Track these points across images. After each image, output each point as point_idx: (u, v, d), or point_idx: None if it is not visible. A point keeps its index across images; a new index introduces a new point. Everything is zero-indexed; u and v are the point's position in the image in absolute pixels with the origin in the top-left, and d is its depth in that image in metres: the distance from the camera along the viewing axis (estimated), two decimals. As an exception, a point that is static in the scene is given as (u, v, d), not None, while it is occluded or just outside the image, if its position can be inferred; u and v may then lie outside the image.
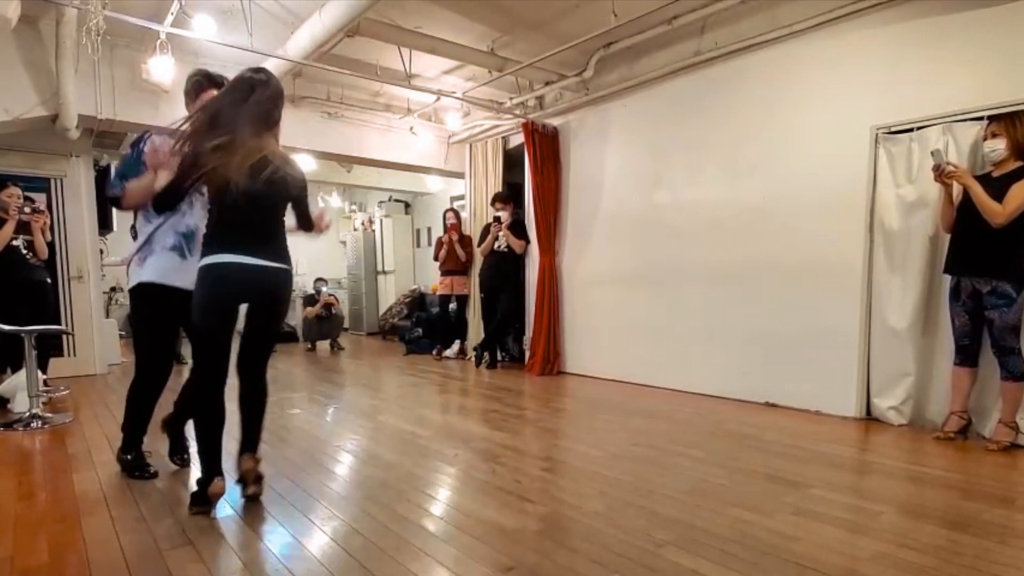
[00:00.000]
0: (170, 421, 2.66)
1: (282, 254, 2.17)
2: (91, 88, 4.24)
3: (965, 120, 3.00)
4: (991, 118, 2.84)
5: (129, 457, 2.54)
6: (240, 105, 2.05)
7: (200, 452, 2.13)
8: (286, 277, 2.19)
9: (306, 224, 2.37)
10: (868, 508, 2.11)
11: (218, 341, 2.12)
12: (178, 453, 2.68)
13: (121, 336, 7.56)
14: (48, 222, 4.27)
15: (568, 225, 5.32)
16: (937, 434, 3.00)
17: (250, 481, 2.22)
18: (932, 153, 2.91)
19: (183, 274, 2.33)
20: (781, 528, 1.93)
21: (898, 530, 1.91)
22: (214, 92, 2.32)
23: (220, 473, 2.12)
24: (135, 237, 2.56)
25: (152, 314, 2.42)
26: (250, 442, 2.25)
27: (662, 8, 3.63)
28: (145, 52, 4.11)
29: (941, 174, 2.86)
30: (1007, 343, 2.75)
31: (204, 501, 2.10)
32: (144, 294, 2.39)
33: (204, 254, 2.08)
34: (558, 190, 5.32)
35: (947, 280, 3.00)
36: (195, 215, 2.40)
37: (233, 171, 1.96)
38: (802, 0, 3.52)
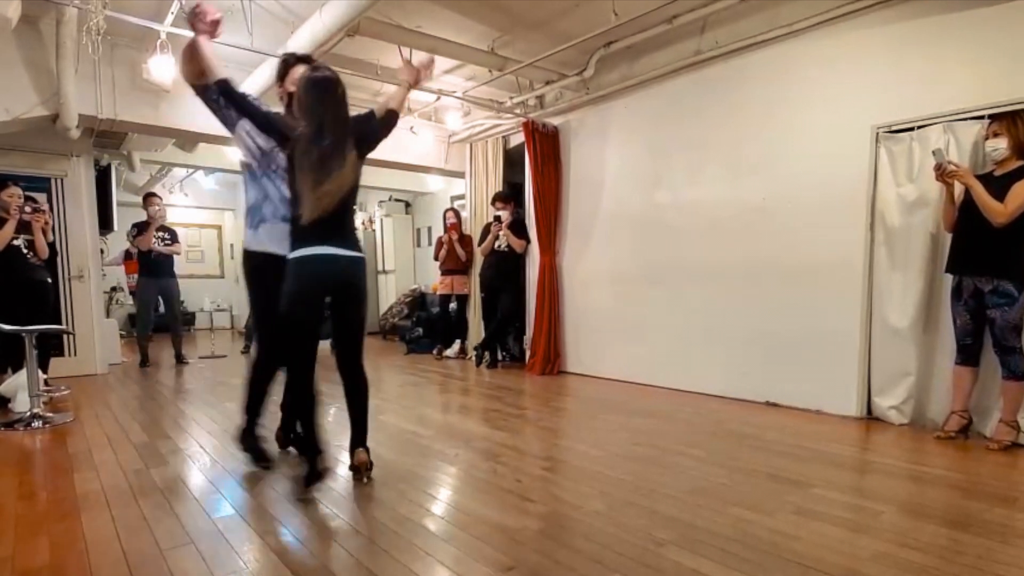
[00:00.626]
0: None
1: (358, 244, 2.30)
2: (91, 88, 4.24)
3: (966, 119, 2.99)
4: (992, 117, 2.84)
5: (247, 442, 2.59)
6: (338, 109, 2.18)
7: (305, 435, 2.24)
8: (364, 264, 2.33)
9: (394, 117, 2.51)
10: (869, 507, 2.11)
11: (309, 330, 2.25)
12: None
13: (122, 336, 7.56)
14: (49, 221, 4.27)
15: (568, 224, 5.32)
16: (938, 433, 3.00)
17: (364, 471, 2.39)
18: (933, 152, 2.91)
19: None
20: (782, 527, 1.93)
21: (899, 529, 1.91)
22: (302, 69, 2.36)
23: (323, 451, 2.24)
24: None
25: (269, 280, 2.36)
26: (360, 437, 2.38)
27: (662, 7, 3.63)
28: (146, 52, 4.11)
29: (943, 173, 2.86)
30: (1008, 342, 2.75)
31: (317, 478, 2.21)
32: (259, 261, 2.41)
33: (294, 246, 2.17)
34: (558, 189, 5.32)
35: (948, 279, 3.00)
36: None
37: (336, 196, 2.15)
38: (802, -1, 3.53)
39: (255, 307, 2.54)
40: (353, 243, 2.26)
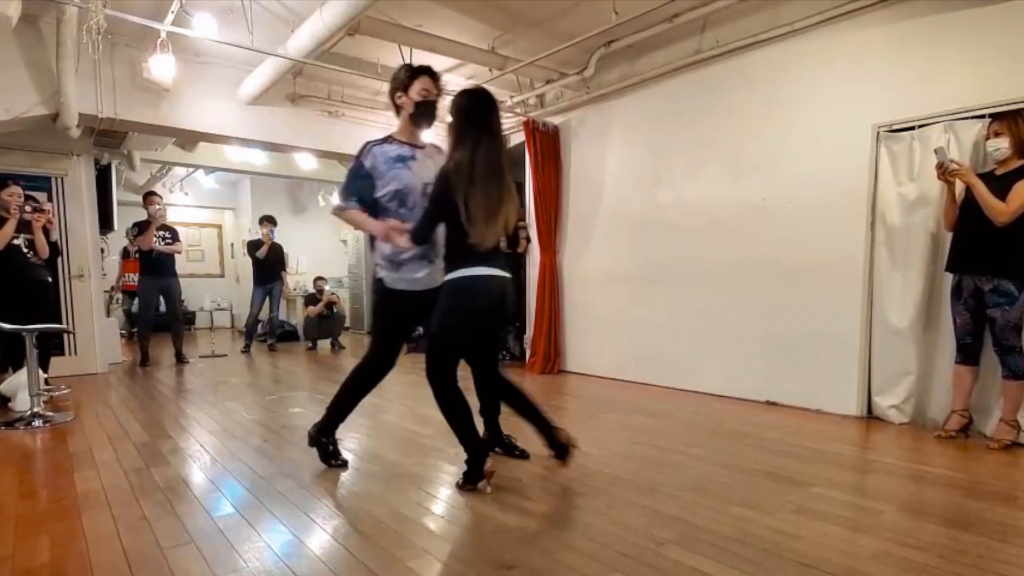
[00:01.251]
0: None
1: (506, 265, 2.39)
2: (92, 87, 4.24)
3: (967, 118, 2.99)
4: (993, 116, 2.84)
5: (325, 441, 2.62)
6: (499, 127, 2.30)
7: (468, 439, 2.30)
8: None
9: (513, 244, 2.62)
10: (869, 506, 2.11)
11: (464, 348, 2.38)
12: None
13: (122, 335, 7.57)
14: (52, 220, 4.26)
15: (569, 224, 5.32)
16: (938, 432, 3.00)
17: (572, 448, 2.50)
18: (935, 151, 2.91)
19: (429, 277, 2.50)
20: (782, 526, 1.93)
21: (899, 528, 1.91)
22: (420, 83, 2.49)
23: (487, 453, 2.33)
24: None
25: (401, 315, 2.56)
26: (548, 426, 2.49)
27: (663, 6, 3.63)
28: (146, 51, 4.11)
29: (944, 172, 2.86)
30: (1008, 341, 2.75)
31: (478, 477, 2.27)
32: (397, 298, 2.52)
33: (457, 266, 2.24)
34: (559, 189, 5.32)
35: (949, 278, 3.00)
36: None
37: (501, 231, 2.26)
38: (803, -2, 3.53)
39: (386, 331, 2.60)
40: (504, 264, 2.37)
